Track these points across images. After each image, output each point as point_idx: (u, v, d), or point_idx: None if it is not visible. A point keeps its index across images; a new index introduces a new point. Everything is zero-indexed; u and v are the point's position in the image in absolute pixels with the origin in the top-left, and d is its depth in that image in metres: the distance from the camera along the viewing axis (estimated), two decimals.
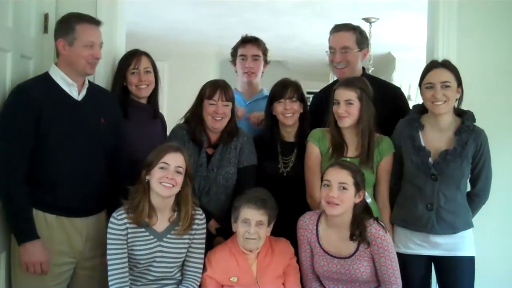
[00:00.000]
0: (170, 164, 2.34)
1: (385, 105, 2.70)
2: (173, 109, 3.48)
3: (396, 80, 6.42)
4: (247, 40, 3.22)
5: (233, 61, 3.30)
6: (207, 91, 2.69)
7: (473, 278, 2.54)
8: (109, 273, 2.32)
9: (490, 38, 2.89)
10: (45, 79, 2.42)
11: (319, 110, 2.83)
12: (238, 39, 3.32)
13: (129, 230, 2.35)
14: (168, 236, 2.40)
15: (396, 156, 2.60)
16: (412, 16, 4.97)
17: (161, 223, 2.40)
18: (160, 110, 2.98)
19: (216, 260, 2.45)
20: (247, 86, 3.26)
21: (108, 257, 2.33)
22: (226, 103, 2.67)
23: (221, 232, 2.65)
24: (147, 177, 2.36)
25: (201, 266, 2.45)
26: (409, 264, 2.53)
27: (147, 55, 2.82)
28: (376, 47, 5.80)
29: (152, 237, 2.38)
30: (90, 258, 2.48)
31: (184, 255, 2.44)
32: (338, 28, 2.92)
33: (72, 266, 2.45)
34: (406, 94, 3.49)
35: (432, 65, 2.54)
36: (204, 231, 2.48)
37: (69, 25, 2.38)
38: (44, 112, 2.31)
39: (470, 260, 2.53)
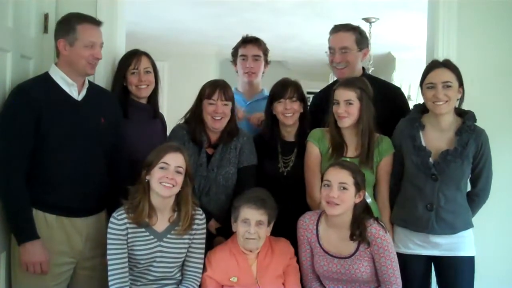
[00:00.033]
0: (170, 164, 2.34)
1: (385, 105, 2.70)
2: (173, 109, 3.49)
3: (396, 80, 6.42)
4: (247, 40, 3.22)
5: (234, 61, 3.30)
6: (206, 91, 2.69)
7: (473, 278, 2.54)
8: (109, 273, 2.32)
9: (490, 38, 2.89)
10: (45, 79, 2.42)
11: (319, 110, 2.83)
12: (238, 39, 3.32)
13: (129, 230, 2.35)
14: (168, 236, 2.40)
15: (397, 156, 2.60)
16: (412, 16, 4.97)
17: (161, 223, 2.40)
18: (160, 110, 2.98)
19: (216, 260, 2.45)
20: (247, 86, 3.26)
21: (108, 257, 2.33)
22: (226, 103, 2.67)
23: (221, 232, 2.65)
24: (147, 177, 2.36)
25: (201, 266, 2.45)
26: (409, 264, 2.53)
27: (147, 55, 2.82)
28: (376, 47, 5.80)
29: (152, 237, 2.38)
30: (90, 258, 2.48)
31: (184, 255, 2.44)
32: (338, 29, 2.92)
33: (72, 266, 2.45)
34: (406, 94, 3.48)
35: (433, 65, 2.54)
36: (204, 231, 2.48)
37: (70, 25, 2.38)
38: (44, 112, 2.31)
39: (470, 260, 2.53)
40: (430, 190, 2.49)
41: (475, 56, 2.86)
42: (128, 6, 3.21)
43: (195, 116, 2.72)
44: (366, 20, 5.24)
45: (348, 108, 2.54)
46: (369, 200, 2.45)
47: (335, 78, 3.06)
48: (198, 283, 2.45)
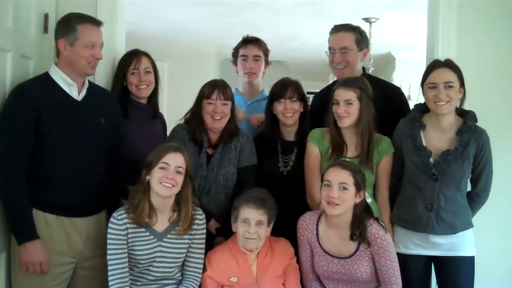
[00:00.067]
0: (170, 164, 2.34)
1: (385, 105, 2.70)
2: (173, 109, 3.48)
3: (396, 80, 6.42)
4: (248, 41, 3.23)
5: (234, 62, 3.31)
6: (205, 91, 2.70)
7: (473, 278, 2.54)
8: (109, 273, 2.32)
9: (490, 38, 2.89)
10: (45, 79, 2.42)
11: (319, 110, 2.83)
12: (238, 39, 3.32)
13: (129, 230, 2.35)
14: (168, 236, 2.40)
15: (397, 156, 2.60)
16: (412, 16, 4.97)
17: (161, 223, 2.40)
18: (160, 110, 2.98)
19: (216, 260, 2.45)
20: (248, 87, 3.26)
21: (108, 257, 2.33)
22: (225, 102, 2.67)
23: (221, 232, 2.65)
24: (147, 177, 2.36)
25: (201, 266, 2.45)
26: (409, 264, 2.53)
27: (147, 55, 2.82)
28: (376, 47, 5.80)
29: (152, 237, 2.38)
30: (90, 258, 2.48)
31: (184, 255, 2.44)
32: (337, 29, 2.92)
33: (72, 266, 2.45)
34: (406, 94, 3.48)
35: (435, 65, 2.53)
36: (204, 231, 2.48)
37: (70, 25, 2.38)
38: (44, 112, 2.31)
39: (470, 260, 2.53)
40: (430, 190, 2.48)
41: (475, 56, 2.86)
42: (128, 6, 3.21)
43: (195, 116, 2.72)
44: (366, 20, 5.24)
45: (348, 108, 2.54)
46: (369, 200, 2.45)
47: (335, 78, 3.06)
48: (198, 283, 2.45)
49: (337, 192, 2.31)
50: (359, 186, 2.35)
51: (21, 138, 2.29)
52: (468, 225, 2.55)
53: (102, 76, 2.82)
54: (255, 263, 2.45)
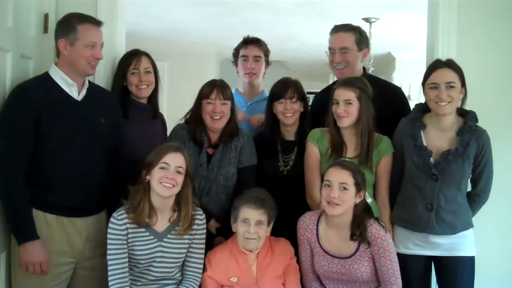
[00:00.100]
0: (171, 164, 2.34)
1: (386, 105, 2.70)
2: (173, 109, 3.49)
3: (396, 80, 6.43)
4: (249, 41, 3.23)
5: (235, 62, 3.31)
6: (204, 91, 2.70)
7: (473, 278, 2.54)
8: (109, 273, 2.32)
9: (490, 38, 2.89)
10: (45, 79, 2.42)
11: (319, 110, 2.82)
12: (238, 39, 3.33)
13: (129, 230, 2.35)
14: (168, 236, 2.40)
15: (398, 156, 2.60)
16: (412, 16, 4.97)
17: (161, 223, 2.40)
18: (160, 110, 2.98)
19: (216, 260, 2.45)
20: (248, 87, 3.27)
21: (108, 257, 2.33)
22: (224, 102, 2.67)
23: (221, 232, 2.65)
24: (148, 177, 2.36)
25: (201, 266, 2.45)
26: (409, 264, 2.53)
27: (147, 55, 2.82)
28: (376, 47, 5.80)
29: (152, 237, 2.38)
30: (90, 258, 2.48)
31: (184, 255, 2.44)
32: (337, 29, 2.92)
33: (72, 266, 2.45)
34: (406, 94, 3.48)
35: (436, 65, 2.53)
36: (204, 231, 2.48)
37: (71, 25, 2.38)
38: (44, 112, 2.31)
39: (470, 260, 2.53)
40: (431, 190, 2.48)
41: (475, 56, 2.86)
42: (128, 6, 3.21)
43: (195, 116, 2.72)
44: (366, 20, 5.24)
45: (348, 108, 2.54)
46: (369, 200, 2.45)
47: (336, 78, 3.06)
48: (198, 283, 2.45)
49: (337, 192, 2.31)
50: (359, 186, 2.35)
51: (21, 138, 2.29)
52: (468, 225, 2.55)
53: (102, 76, 2.82)
54: (255, 263, 2.45)
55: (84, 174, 2.41)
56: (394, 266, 2.37)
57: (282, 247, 2.50)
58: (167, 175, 2.33)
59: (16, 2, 2.45)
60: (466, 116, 2.51)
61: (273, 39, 3.75)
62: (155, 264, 2.39)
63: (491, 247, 2.80)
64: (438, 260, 2.56)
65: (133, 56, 2.79)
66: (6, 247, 2.39)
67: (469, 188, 2.60)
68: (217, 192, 2.70)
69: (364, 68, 3.04)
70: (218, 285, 2.43)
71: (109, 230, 2.34)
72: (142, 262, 2.37)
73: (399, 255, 2.45)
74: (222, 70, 7.06)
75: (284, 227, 2.53)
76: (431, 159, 2.49)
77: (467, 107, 2.57)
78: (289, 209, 2.57)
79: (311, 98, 3.26)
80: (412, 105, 2.85)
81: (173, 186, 2.34)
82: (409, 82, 5.71)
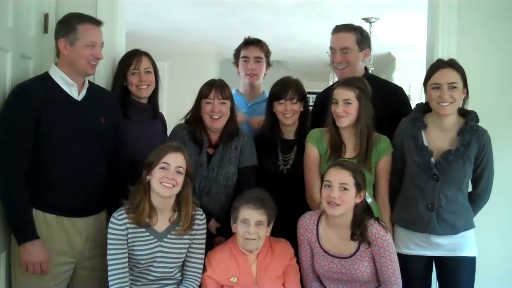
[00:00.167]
0: (171, 164, 2.34)
1: (387, 105, 2.71)
2: (173, 109, 3.49)
3: (396, 80, 6.43)
4: (249, 42, 3.23)
5: (236, 63, 3.31)
6: (203, 91, 2.71)
7: (473, 278, 2.54)
8: (109, 273, 2.32)
9: (490, 38, 2.89)
10: (45, 79, 2.41)
11: (320, 110, 2.82)
12: (238, 39, 3.33)
13: (130, 230, 2.35)
14: (169, 236, 2.40)
15: (399, 156, 2.59)
16: (412, 16, 4.97)
17: (161, 223, 2.40)
18: (160, 110, 2.98)
19: (216, 260, 2.45)
20: (249, 88, 3.27)
21: (108, 257, 2.33)
22: (223, 101, 2.67)
23: (221, 232, 2.65)
24: (148, 177, 2.36)
25: (201, 266, 2.45)
26: (410, 264, 2.52)
27: (147, 55, 2.82)
28: (376, 47, 5.77)
29: (152, 237, 2.38)
30: (90, 258, 2.48)
31: (184, 255, 2.44)
32: (338, 29, 2.93)
33: (72, 266, 2.45)
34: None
35: (438, 65, 2.52)
36: (205, 231, 2.48)
37: (71, 25, 2.38)
38: (44, 112, 2.31)
39: (471, 260, 2.53)
40: (431, 190, 2.48)
41: (475, 56, 2.86)
42: (128, 6, 3.21)
43: (195, 116, 2.72)
44: (366, 20, 5.24)
45: (347, 108, 2.54)
46: (369, 200, 2.45)
47: (336, 78, 3.06)
48: (198, 283, 2.45)
49: (337, 193, 2.31)
50: (360, 186, 2.35)
51: (21, 138, 2.28)
52: (470, 225, 2.54)
53: (102, 76, 2.82)
54: (255, 263, 2.45)
55: (84, 174, 2.41)
56: (394, 266, 2.37)
57: (282, 247, 2.50)
58: (168, 175, 2.33)
59: (16, 2, 2.45)
60: (467, 116, 2.51)
61: (273, 39, 3.75)
62: (155, 264, 2.39)
63: (491, 247, 2.79)
64: (439, 260, 2.56)
65: (133, 56, 2.79)
66: (6, 247, 2.39)
67: (469, 189, 2.60)
68: (217, 192, 2.70)
69: (365, 68, 3.04)
70: (218, 285, 2.43)
71: (109, 230, 2.34)
72: (142, 262, 2.37)
73: (400, 255, 2.45)
74: (222, 70, 7.06)
75: (284, 227, 2.52)
76: (432, 159, 2.48)
77: (467, 107, 2.57)
78: (289, 209, 2.57)
79: (311, 98, 3.26)
80: (413, 105, 2.84)
81: (174, 186, 2.34)
82: (409, 82, 5.71)
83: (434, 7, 2.99)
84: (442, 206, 2.48)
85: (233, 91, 3.04)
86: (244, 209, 2.39)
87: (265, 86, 3.27)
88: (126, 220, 2.34)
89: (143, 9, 5.10)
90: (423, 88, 2.58)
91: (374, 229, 2.35)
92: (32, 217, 2.31)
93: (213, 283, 2.42)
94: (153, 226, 2.39)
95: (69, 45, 2.38)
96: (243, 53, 3.23)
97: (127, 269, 2.34)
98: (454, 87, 2.45)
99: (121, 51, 2.98)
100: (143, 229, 2.37)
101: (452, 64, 2.49)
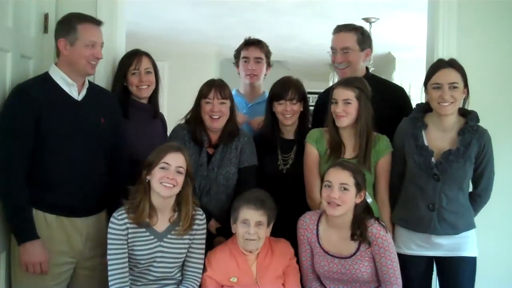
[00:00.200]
0: (171, 164, 2.34)
1: (388, 105, 2.71)
2: (173, 109, 3.49)
3: (396, 80, 6.42)
4: (250, 43, 3.23)
5: (236, 63, 3.31)
6: (203, 90, 2.71)
7: (474, 279, 2.54)
8: (109, 273, 2.32)
9: (490, 38, 2.89)
10: (45, 79, 2.42)
11: (321, 110, 2.82)
12: (238, 39, 3.33)
13: (130, 230, 2.35)
14: (169, 236, 2.40)
15: (399, 156, 2.59)
16: (412, 16, 4.97)
17: (161, 223, 2.40)
18: (160, 110, 2.98)
19: (216, 260, 2.45)
20: (249, 89, 3.27)
21: (108, 257, 2.33)
22: (222, 101, 2.67)
23: (221, 232, 2.65)
24: (148, 177, 2.36)
25: (201, 266, 2.45)
26: (410, 265, 2.52)
27: (148, 55, 2.82)
28: (376, 47, 5.75)
29: (152, 237, 2.38)
30: (90, 258, 2.48)
31: (184, 255, 2.44)
32: (339, 29, 2.93)
33: (72, 266, 2.45)
34: None
35: (439, 65, 2.52)
36: (205, 231, 2.48)
37: (71, 25, 2.38)
38: (44, 112, 2.31)
39: (472, 261, 2.53)
40: (432, 190, 2.48)
41: (475, 56, 2.86)
42: (128, 6, 3.21)
43: (195, 116, 2.73)
44: (366, 20, 5.24)
45: (346, 108, 2.54)
46: (369, 200, 2.45)
47: (335, 78, 3.06)
48: (198, 283, 2.45)
49: (338, 193, 2.31)
50: (360, 186, 2.35)
51: (21, 138, 2.28)
52: (471, 225, 2.54)
53: (102, 76, 2.82)
54: (255, 263, 2.45)
55: (84, 174, 2.41)
56: (394, 266, 2.37)
57: (282, 247, 2.50)
58: (168, 175, 2.33)
59: (16, 2, 2.45)
60: (468, 116, 2.51)
61: (273, 39, 3.75)
62: (155, 264, 2.39)
63: (491, 247, 2.79)
64: (440, 260, 2.56)
65: (133, 56, 2.79)
66: (6, 247, 2.39)
67: (470, 189, 2.59)
68: (217, 192, 2.70)
69: (367, 68, 3.03)
70: (218, 285, 2.43)
71: (109, 230, 2.34)
72: (142, 262, 2.37)
73: (401, 256, 2.45)
74: (222, 70, 7.06)
75: (284, 227, 2.52)
76: (433, 159, 2.48)
77: (468, 107, 2.56)
78: (289, 208, 2.57)
79: (311, 98, 3.26)
80: (413, 105, 2.84)
81: (174, 186, 2.34)
82: (409, 82, 5.70)
83: (434, 7, 2.99)
84: (443, 206, 2.48)
85: (233, 92, 3.04)
86: (244, 210, 2.39)
87: (265, 86, 3.27)
88: (126, 220, 2.34)
89: (143, 9, 5.10)
90: (423, 88, 2.58)
91: (374, 229, 2.35)
92: (32, 217, 2.31)
93: (213, 283, 2.42)
94: (153, 226, 2.39)
95: (69, 45, 2.38)
96: (243, 53, 3.23)
97: (127, 269, 2.34)
98: (455, 87, 2.45)
99: (121, 51, 2.98)
100: (143, 229, 2.37)
101: (453, 64, 2.49)
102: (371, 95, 2.58)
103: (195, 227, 2.43)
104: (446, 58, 2.57)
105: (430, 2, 3.08)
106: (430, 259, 2.58)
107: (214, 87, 2.68)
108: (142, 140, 2.72)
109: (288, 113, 2.76)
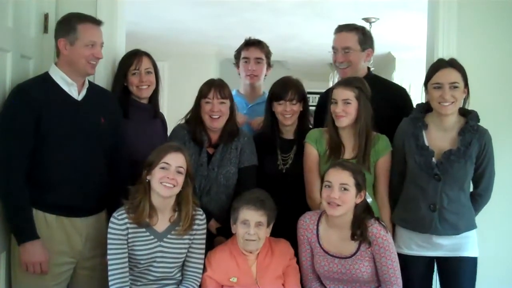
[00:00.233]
0: (171, 164, 2.34)
1: (388, 105, 2.71)
2: (173, 109, 3.49)
3: (396, 80, 6.41)
4: (250, 43, 3.24)
5: (236, 64, 3.31)
6: (203, 90, 2.71)
7: (475, 279, 2.54)
8: (109, 273, 2.32)
9: (490, 38, 2.89)
10: (45, 79, 2.42)
11: (322, 111, 2.82)
12: (238, 39, 3.33)
13: (130, 230, 2.35)
14: (169, 236, 2.40)
15: (399, 156, 2.59)
16: (412, 16, 4.97)
17: (161, 223, 2.40)
18: (160, 110, 2.98)
19: (216, 260, 2.45)
20: (249, 89, 3.27)
21: (108, 257, 2.33)
22: (222, 101, 2.67)
23: (221, 232, 2.65)
24: (148, 177, 2.36)
25: (201, 266, 2.45)
26: (411, 265, 2.52)
27: (148, 55, 2.82)
28: (376, 47, 5.77)
29: (152, 237, 2.38)
30: (90, 258, 2.48)
31: (184, 255, 2.44)
32: (341, 29, 2.93)
33: (72, 266, 2.44)
34: None
35: (440, 65, 2.51)
36: (205, 231, 2.48)
37: (71, 24, 2.38)
38: (44, 112, 2.31)
39: (473, 261, 2.53)
40: (433, 190, 2.47)
41: (475, 56, 2.86)
42: (128, 6, 3.21)
43: (195, 116, 2.73)
44: (366, 20, 5.24)
45: (346, 108, 2.54)
46: (369, 200, 2.45)
47: (336, 78, 3.06)
48: (198, 283, 2.45)
49: (338, 193, 2.31)
50: (360, 186, 2.34)
51: (21, 138, 2.28)
52: (472, 226, 2.53)
53: (102, 76, 2.82)
54: (255, 263, 2.45)
55: (84, 174, 2.41)
56: (394, 266, 2.37)
57: (282, 247, 2.50)
58: (168, 175, 2.33)
59: (16, 2, 2.45)
60: (468, 116, 2.51)
61: (273, 39, 3.75)
62: (155, 264, 2.39)
63: (492, 247, 2.79)
64: (441, 260, 2.55)
65: (134, 57, 2.79)
66: (6, 247, 2.39)
67: (470, 189, 2.59)
68: (217, 192, 2.70)
69: (368, 68, 3.03)
70: (218, 285, 2.43)
71: (109, 230, 2.34)
72: (142, 262, 2.37)
73: (401, 256, 2.45)
74: (222, 70, 7.06)
75: (284, 227, 2.52)
76: (433, 159, 2.48)
77: (468, 107, 2.56)
78: (289, 208, 2.57)
79: (311, 98, 3.26)
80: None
81: (174, 186, 2.34)
82: (409, 82, 5.70)
83: (434, 7, 2.99)
84: (444, 206, 2.47)
85: (234, 92, 3.04)
86: (244, 210, 2.39)
87: (265, 87, 3.27)
88: (126, 220, 2.34)
89: (143, 9, 5.09)
90: (423, 88, 2.57)
91: (375, 229, 2.35)
92: (32, 217, 2.31)
93: (213, 283, 2.42)
94: (153, 226, 2.39)
95: (69, 45, 2.38)
96: (243, 54, 3.23)
97: (127, 269, 2.34)
98: (456, 87, 2.44)
99: (121, 51, 2.98)
100: (143, 229, 2.37)
101: (453, 64, 2.49)
102: (370, 95, 2.58)
103: (195, 227, 2.43)
104: (446, 58, 2.57)
105: (430, 2, 3.08)
106: (430, 259, 2.57)
107: (214, 87, 2.68)
108: (142, 140, 2.72)
109: (287, 113, 2.76)
